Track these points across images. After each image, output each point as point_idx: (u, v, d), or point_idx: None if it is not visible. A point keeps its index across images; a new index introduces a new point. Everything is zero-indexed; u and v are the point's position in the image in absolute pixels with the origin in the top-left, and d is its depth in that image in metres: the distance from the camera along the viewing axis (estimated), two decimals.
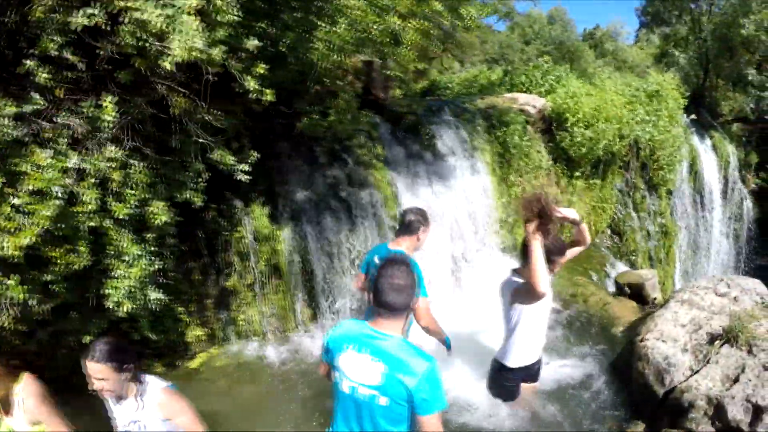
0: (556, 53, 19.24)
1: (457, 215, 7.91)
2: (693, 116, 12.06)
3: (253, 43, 3.75)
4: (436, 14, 4.25)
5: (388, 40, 4.00)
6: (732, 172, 12.47)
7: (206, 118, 4.29)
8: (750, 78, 12.34)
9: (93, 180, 3.88)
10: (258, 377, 5.59)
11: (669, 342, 5.14)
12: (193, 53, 3.36)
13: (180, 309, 5.66)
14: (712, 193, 12.05)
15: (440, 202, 7.72)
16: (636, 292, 7.51)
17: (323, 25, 3.88)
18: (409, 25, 4.03)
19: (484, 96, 10.38)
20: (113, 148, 4.01)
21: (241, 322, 6.17)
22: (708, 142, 12.32)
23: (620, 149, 9.93)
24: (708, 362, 4.79)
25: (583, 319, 6.81)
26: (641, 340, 5.25)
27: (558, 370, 5.38)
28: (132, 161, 4.16)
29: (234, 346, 6.08)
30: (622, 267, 9.65)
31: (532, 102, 9.90)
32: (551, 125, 9.67)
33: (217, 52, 3.57)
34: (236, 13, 3.51)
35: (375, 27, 3.80)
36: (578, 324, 6.63)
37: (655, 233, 10.66)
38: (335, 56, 3.96)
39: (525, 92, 10.59)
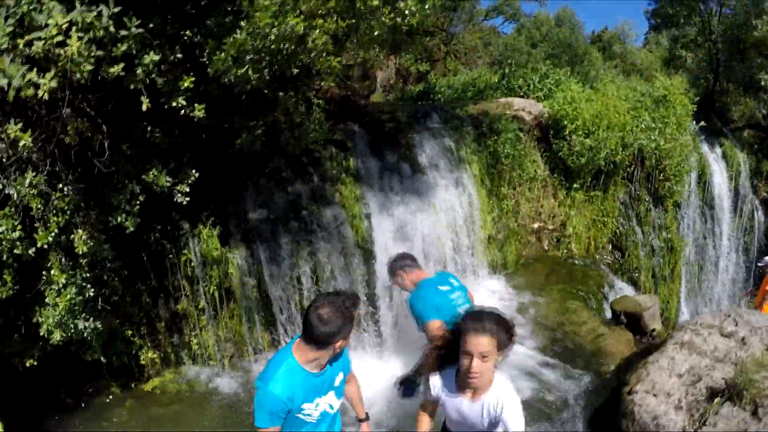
0: (564, 55, 18.56)
1: (437, 235, 7.29)
2: (702, 123, 11.31)
3: (151, 57, 3.23)
4: (370, 11, 3.60)
5: (289, 45, 3.37)
6: (743, 182, 11.71)
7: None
8: (763, 83, 11.56)
9: (11, 208, 3.70)
10: (209, 406, 5.36)
11: (661, 396, 4.51)
12: (81, 74, 2.84)
13: (129, 332, 5.42)
14: (722, 205, 11.32)
15: (417, 221, 7.10)
16: (633, 322, 6.86)
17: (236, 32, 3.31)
18: (317, 24, 3.38)
19: (478, 100, 9.72)
20: (32, 174, 3.75)
21: (195, 346, 5.84)
22: (718, 150, 11.57)
23: (623, 159, 9.24)
24: (705, 424, 4.14)
25: (569, 354, 6.18)
26: (629, 392, 4.62)
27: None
28: (54, 186, 3.95)
29: (189, 371, 5.81)
30: (622, 286, 8.99)
31: (528, 107, 9.24)
32: (548, 133, 9.01)
33: (115, 70, 3.23)
34: (110, 28, 2.96)
35: (273, 30, 3.19)
36: (562, 360, 6.00)
37: (659, 249, 9.97)
38: (238, 70, 3.38)
39: (522, 97, 9.92)
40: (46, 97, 2.95)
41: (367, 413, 3.47)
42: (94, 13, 2.96)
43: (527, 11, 19.55)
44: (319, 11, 3.38)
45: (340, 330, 2.69)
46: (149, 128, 4.39)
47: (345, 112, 7.93)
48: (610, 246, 9.59)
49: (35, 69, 2.97)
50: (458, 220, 7.63)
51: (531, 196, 8.79)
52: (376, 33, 3.93)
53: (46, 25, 2.89)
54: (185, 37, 3.71)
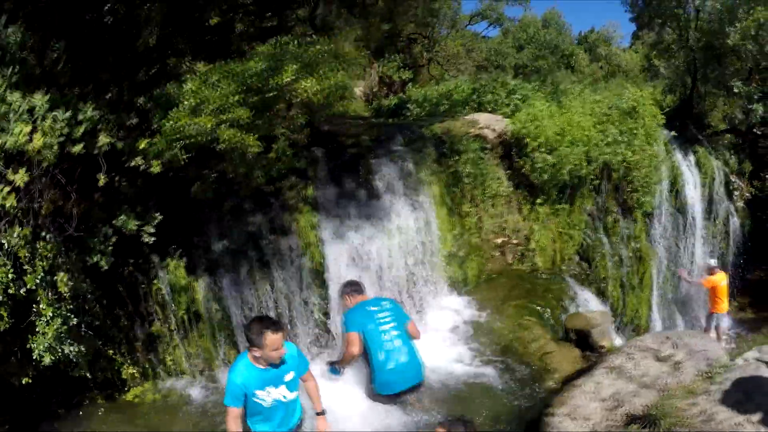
0: (551, 57, 18.69)
1: (392, 258, 7.53)
2: (674, 132, 11.42)
3: (103, 140, 4.01)
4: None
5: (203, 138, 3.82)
6: (717, 189, 11.79)
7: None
8: (736, 89, 11.62)
9: (3, 257, 4.32)
10: (182, 411, 5.92)
11: (579, 420, 4.70)
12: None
13: (111, 351, 6.01)
14: (694, 213, 11.42)
15: (371, 246, 7.35)
16: (582, 339, 7.05)
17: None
18: (225, 118, 3.77)
19: (446, 117, 9.93)
20: (19, 228, 4.40)
21: (169, 362, 6.38)
22: (691, 158, 11.64)
23: (588, 173, 9.41)
24: None
25: (510, 373, 6.37)
26: (549, 414, 4.82)
27: None
28: (38, 236, 4.57)
29: (165, 383, 6.33)
30: (588, 298, 9.16)
31: (493, 125, 9.43)
32: (511, 150, 9.20)
33: (77, 149, 3.95)
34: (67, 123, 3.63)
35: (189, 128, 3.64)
36: (504, 379, 6.21)
37: (628, 258, 10.12)
38: (169, 153, 3.82)
39: (491, 112, 10.11)
40: (21, 185, 3.78)
41: (324, 409, 4.48)
42: (51, 118, 3.65)
43: (510, 15, 19.60)
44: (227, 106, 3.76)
45: (252, 340, 3.99)
46: (117, 179, 4.92)
47: (317, 137, 8.19)
48: (578, 257, 9.75)
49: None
50: (415, 241, 7.84)
51: (495, 212, 8.98)
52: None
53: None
54: (139, 104, 4.11)
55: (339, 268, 7.03)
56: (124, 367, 6.11)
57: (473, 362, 6.55)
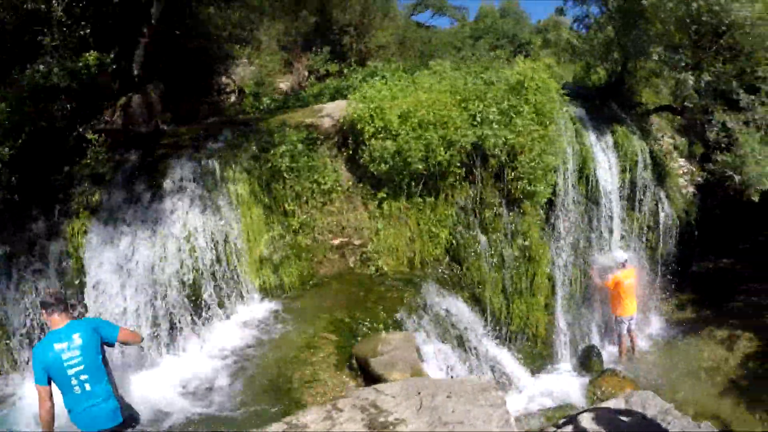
0: (509, 46, 17.63)
1: (168, 266, 6.48)
2: (584, 110, 9.91)
3: None
4: None
5: None
6: (641, 173, 10.11)
7: None
8: (655, 56, 9.95)
9: None
10: None
11: None
12: None
13: None
14: (610, 202, 9.79)
15: (142, 252, 6.38)
16: (364, 369, 5.78)
17: None
18: None
19: (298, 108, 8.86)
20: None
21: None
22: (609, 139, 10.04)
23: (452, 158, 8.06)
24: None
25: (255, 406, 5.20)
26: None
27: None
28: None
29: None
30: (451, 305, 7.88)
31: (334, 112, 8.26)
32: (349, 138, 8.00)
33: None
34: None
35: None
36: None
37: (514, 258, 8.66)
38: None
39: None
40: None
41: None
42: None
43: (456, 3, 18.59)
44: None
45: None
46: None
47: (128, 141, 7.69)
48: (448, 258, 8.39)
49: None
50: (206, 245, 6.80)
51: (331, 209, 7.83)
52: None
53: None
54: None
55: (99, 274, 6.50)
56: None
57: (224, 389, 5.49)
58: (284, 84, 14.94)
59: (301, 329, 6.55)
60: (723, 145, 11.22)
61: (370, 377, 5.67)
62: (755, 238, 11.99)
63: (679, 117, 11.79)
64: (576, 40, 12.42)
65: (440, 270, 8.30)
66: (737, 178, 10.50)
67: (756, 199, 10.47)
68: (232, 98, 12.69)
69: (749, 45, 10.63)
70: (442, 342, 7.45)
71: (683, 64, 9.97)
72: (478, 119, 8.26)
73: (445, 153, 7.92)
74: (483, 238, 8.46)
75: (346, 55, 15.86)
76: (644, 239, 10.31)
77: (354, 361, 5.92)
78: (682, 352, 9.75)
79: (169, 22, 8.00)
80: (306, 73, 15.54)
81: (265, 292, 7.25)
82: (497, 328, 8.69)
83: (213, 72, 11.32)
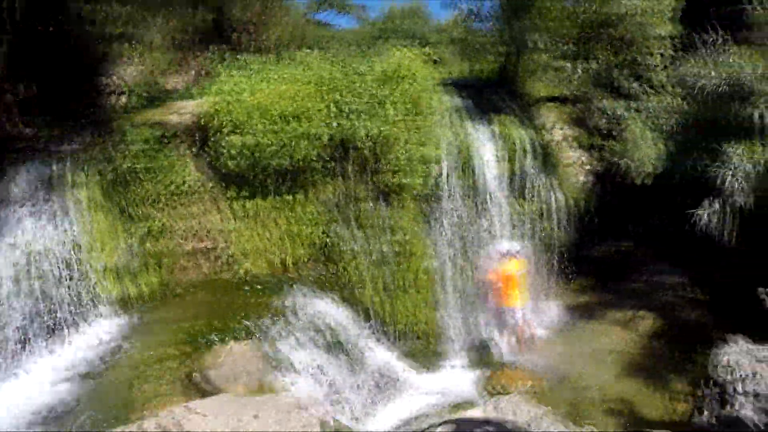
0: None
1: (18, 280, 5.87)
2: (469, 100, 9.74)
3: None
4: None
5: None
6: (529, 163, 9.99)
7: None
8: (540, 44, 9.90)
9: None
10: None
11: None
12: None
13: None
14: (495, 192, 9.62)
15: None
16: (206, 382, 5.31)
17: None
18: None
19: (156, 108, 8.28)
20: None
21: None
22: (493, 129, 9.89)
23: (318, 152, 7.68)
24: None
25: None
26: None
27: None
28: None
29: None
30: (325, 309, 7.45)
31: (195, 108, 7.76)
32: (203, 135, 7.51)
33: None
34: None
35: None
36: None
37: (392, 254, 8.33)
38: None
39: None
40: None
41: None
42: None
43: (362, 3, 18.35)
44: None
45: None
46: None
47: None
48: (323, 258, 7.97)
49: None
50: (61, 255, 6.22)
51: (186, 212, 7.32)
52: None
53: None
54: None
55: None
56: None
57: None
58: (178, 83, 14.25)
59: (155, 343, 6.07)
60: (613, 133, 11.30)
61: (211, 392, 5.19)
62: (650, 220, 12.10)
63: (573, 108, 11.82)
64: (468, 33, 12.30)
65: (315, 271, 7.90)
66: (629, 164, 10.54)
67: (647, 182, 10.52)
68: (123, 99, 11.98)
69: (635, 35, 10.74)
70: (317, 347, 7.04)
71: (570, 54, 9.95)
72: (346, 110, 7.91)
73: (309, 147, 7.53)
74: (358, 235, 8.10)
75: (244, 53, 15.30)
76: (536, 228, 10.16)
77: (197, 375, 5.41)
78: (584, 337, 9.62)
79: (40, 18, 7.35)
80: (202, 72, 14.89)
81: (122, 303, 6.72)
82: (382, 328, 8.32)
83: (97, 72, 10.61)
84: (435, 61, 17.20)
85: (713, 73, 9.39)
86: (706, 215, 8.57)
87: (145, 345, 6.19)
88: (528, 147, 9.95)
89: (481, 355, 9.18)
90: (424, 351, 8.81)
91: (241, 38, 15.12)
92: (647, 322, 10.04)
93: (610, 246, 11.58)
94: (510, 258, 8.85)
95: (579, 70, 10.07)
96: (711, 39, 9.97)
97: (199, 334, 6.21)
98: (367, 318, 8.07)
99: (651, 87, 11.35)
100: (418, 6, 19.30)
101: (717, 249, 9.70)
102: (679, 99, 10.82)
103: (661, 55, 10.86)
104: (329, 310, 7.48)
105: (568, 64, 10.19)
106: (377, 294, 8.12)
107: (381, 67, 8.51)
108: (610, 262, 11.35)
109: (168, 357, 5.76)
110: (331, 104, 7.88)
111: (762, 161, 8.46)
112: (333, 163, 7.93)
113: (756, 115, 8.59)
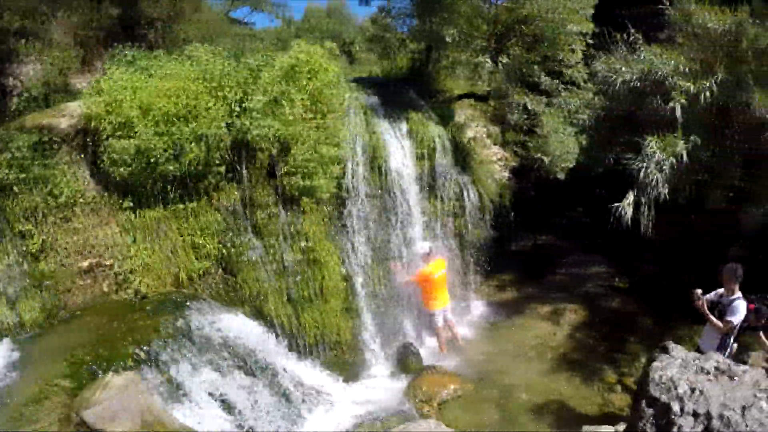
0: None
1: None
2: (377, 97, 9.38)
3: None
4: None
5: None
6: (440, 161, 9.70)
7: None
8: (448, 38, 9.65)
9: None
10: None
11: None
12: None
13: None
14: (407, 192, 9.28)
15: None
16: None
17: None
18: None
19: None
20: None
21: None
22: (403, 126, 9.57)
23: (210, 155, 7.11)
24: None
25: None
26: None
27: None
28: None
29: None
30: (229, 325, 6.87)
31: (75, 110, 7.06)
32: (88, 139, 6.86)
33: None
34: None
35: None
36: None
37: (297, 263, 7.84)
38: None
39: None
40: None
41: None
42: None
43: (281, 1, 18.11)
44: None
45: None
46: None
47: None
48: (221, 270, 7.40)
49: None
50: None
51: (75, 225, 6.64)
52: None
53: None
54: None
55: None
56: None
57: None
58: (82, 83, 13.32)
59: (35, 377, 5.35)
60: (533, 129, 11.20)
61: None
62: (569, 213, 12.12)
63: (490, 106, 11.70)
64: (382, 31, 12.01)
65: (212, 285, 7.32)
66: (545, 159, 10.43)
67: (566, 176, 10.43)
68: (15, 100, 11.01)
69: (549, 32, 10.65)
70: (216, 371, 6.47)
71: (481, 49, 9.75)
72: (239, 109, 7.38)
73: (200, 150, 6.97)
74: (258, 244, 7.57)
75: (153, 51, 14.52)
76: (451, 227, 9.89)
77: (74, 416, 4.77)
78: (508, 334, 9.42)
79: None
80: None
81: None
82: (293, 342, 7.81)
83: None
84: (351, 62, 17.03)
85: (626, 69, 9.45)
86: (628, 207, 8.45)
87: (24, 381, 5.46)
88: (442, 144, 9.67)
89: (402, 360, 8.79)
90: (341, 362, 8.37)
91: (149, 35, 14.32)
92: (572, 314, 9.96)
93: (530, 240, 11.51)
94: (429, 259, 8.51)
95: (488, 64, 9.87)
96: (625, 37, 10.04)
97: (83, 366, 5.54)
98: (276, 332, 7.55)
99: (569, 83, 11.32)
100: (338, 5, 19.23)
101: (637, 239, 9.67)
102: (597, 95, 10.82)
103: (572, 51, 10.82)
104: (231, 326, 6.91)
105: (484, 60, 9.97)
106: (282, 306, 7.61)
107: (280, 63, 8.01)
108: (533, 257, 11.27)
109: (47, 395, 5.07)
110: (222, 102, 7.32)
111: (680, 154, 8.46)
112: (231, 168, 7.39)
113: (677, 109, 8.57)
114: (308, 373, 7.82)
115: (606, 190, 12.08)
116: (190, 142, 6.91)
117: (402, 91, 10.38)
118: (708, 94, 8.54)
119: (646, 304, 10.23)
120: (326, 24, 17.35)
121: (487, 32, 10.85)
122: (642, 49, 9.78)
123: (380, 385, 8.46)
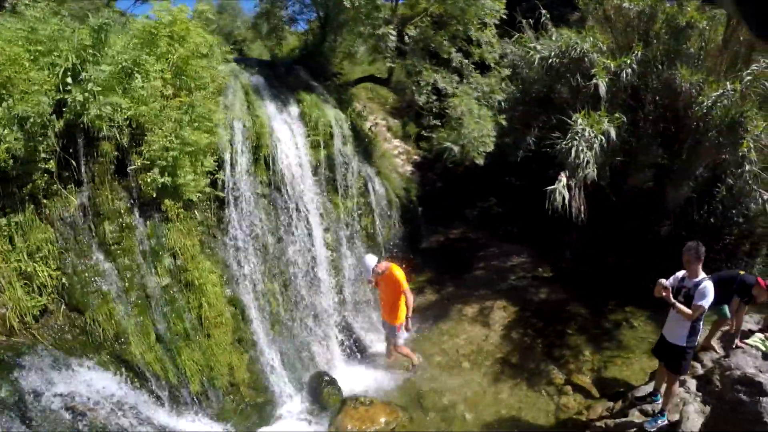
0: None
1: None
2: (260, 76, 7.68)
3: None
4: None
5: None
6: (340, 149, 8.16)
7: None
8: (347, 3, 8.19)
9: None
10: None
11: None
12: None
13: None
14: (302, 186, 7.63)
15: None
16: None
17: None
18: None
19: None
20: None
21: None
22: (293, 110, 7.93)
23: (33, 145, 5.03)
24: None
25: None
26: None
27: None
28: None
29: None
30: (78, 381, 4.83)
31: None
32: None
33: None
34: None
35: None
36: None
37: (163, 289, 5.88)
38: None
39: None
40: None
41: None
42: None
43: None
44: None
45: None
46: None
47: None
48: (63, 306, 5.32)
49: None
50: None
51: None
52: None
53: None
54: None
55: None
56: None
57: None
58: None
59: None
60: (436, 110, 10.05)
61: None
62: (481, 204, 11.22)
63: (391, 99, 10.43)
64: (268, 4, 10.34)
65: (55, 327, 5.22)
66: (454, 148, 9.33)
67: (481, 162, 9.40)
68: None
69: (461, 3, 9.65)
70: None
71: (385, 21, 8.41)
72: (71, 82, 5.37)
73: (16, 137, 4.89)
74: (109, 267, 5.57)
75: None
76: (357, 226, 8.36)
77: None
78: (437, 342, 8.22)
79: None
80: None
81: None
82: (173, 393, 5.86)
83: None
84: (240, 51, 15.30)
85: (542, 47, 9.20)
86: (563, 189, 7.64)
87: None
88: (341, 130, 8.12)
89: (317, 393, 7.13)
90: (242, 409, 6.53)
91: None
92: (500, 312, 9.15)
93: (442, 236, 10.45)
94: (379, 273, 6.91)
95: (392, 35, 8.55)
96: (535, 19, 9.89)
97: None
98: (147, 384, 5.58)
99: (480, 64, 10.44)
100: (228, 2, 18.84)
101: (556, 225, 8.91)
102: (512, 75, 10.37)
103: (485, 24, 9.88)
104: (86, 382, 4.92)
105: (388, 30, 8.60)
106: (150, 348, 5.64)
107: (133, 25, 6.09)
108: (448, 253, 10.22)
109: None
110: (50, 72, 5.29)
111: (607, 131, 8.04)
112: (64, 163, 5.35)
113: (601, 85, 8.28)
114: (199, 428, 5.95)
115: (517, 178, 11.38)
116: (2, 127, 4.83)
117: (293, 72, 8.75)
118: (629, 71, 8.34)
119: (574, 290, 9.57)
120: (217, 20, 16.08)
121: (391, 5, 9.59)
122: (553, 30, 9.61)
123: (296, 427, 6.78)
